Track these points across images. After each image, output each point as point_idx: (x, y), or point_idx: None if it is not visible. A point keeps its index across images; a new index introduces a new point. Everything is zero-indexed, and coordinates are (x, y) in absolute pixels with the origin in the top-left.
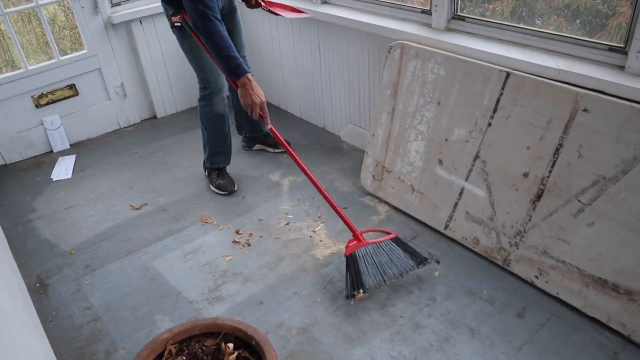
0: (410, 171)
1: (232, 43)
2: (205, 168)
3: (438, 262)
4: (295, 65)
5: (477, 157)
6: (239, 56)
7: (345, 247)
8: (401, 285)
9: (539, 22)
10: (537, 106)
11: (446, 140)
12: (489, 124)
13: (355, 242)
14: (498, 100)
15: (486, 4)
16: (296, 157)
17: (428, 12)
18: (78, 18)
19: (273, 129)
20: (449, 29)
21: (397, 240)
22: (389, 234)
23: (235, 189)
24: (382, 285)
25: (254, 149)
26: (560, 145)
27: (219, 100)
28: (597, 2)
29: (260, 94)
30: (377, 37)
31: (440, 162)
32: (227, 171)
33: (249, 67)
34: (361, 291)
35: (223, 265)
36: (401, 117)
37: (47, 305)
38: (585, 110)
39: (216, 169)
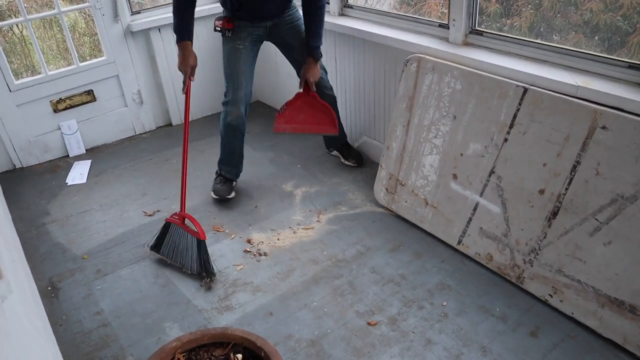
0: (424, 185)
1: (186, 8)
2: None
3: (210, 279)
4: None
5: (492, 172)
6: (185, 25)
7: (170, 215)
8: (413, 300)
9: (557, 38)
10: (555, 122)
11: (461, 154)
12: (505, 140)
13: (177, 218)
14: (515, 116)
15: (504, 19)
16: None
17: (445, 26)
18: (98, 25)
19: (188, 96)
20: (466, 44)
21: (201, 243)
22: (200, 235)
23: (229, 196)
24: (165, 260)
25: (332, 153)
26: (578, 162)
27: (233, 112)
28: (618, 19)
29: (185, 63)
30: (394, 50)
31: (454, 176)
32: (238, 180)
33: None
34: (152, 251)
35: (234, 275)
36: (416, 130)
37: (57, 309)
38: (603, 127)
39: (222, 175)
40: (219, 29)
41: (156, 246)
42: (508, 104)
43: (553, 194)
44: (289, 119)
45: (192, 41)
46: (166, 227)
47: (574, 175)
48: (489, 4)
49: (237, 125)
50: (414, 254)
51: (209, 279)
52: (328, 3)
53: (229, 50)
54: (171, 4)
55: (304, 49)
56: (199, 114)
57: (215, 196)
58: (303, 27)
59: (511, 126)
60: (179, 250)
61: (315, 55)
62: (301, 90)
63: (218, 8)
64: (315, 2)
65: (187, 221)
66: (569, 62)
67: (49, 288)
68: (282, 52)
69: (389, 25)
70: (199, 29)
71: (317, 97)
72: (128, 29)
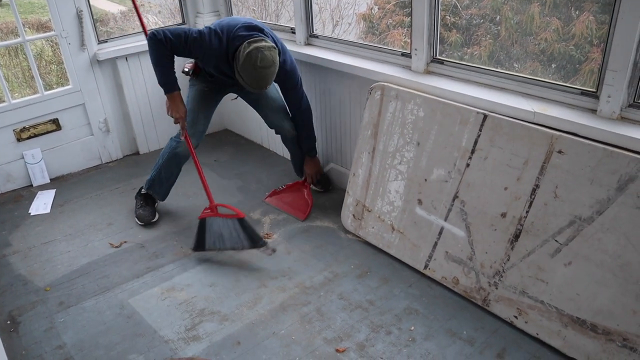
0: (390, 211)
1: (169, 65)
2: (140, 188)
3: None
4: None
5: (456, 197)
6: (173, 77)
7: (202, 212)
8: (381, 325)
9: (516, 66)
10: (514, 148)
11: (425, 180)
12: (467, 165)
13: (209, 211)
14: (476, 142)
15: (465, 48)
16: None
17: (408, 55)
18: (64, 54)
19: (188, 140)
20: (428, 72)
21: (242, 222)
22: (238, 214)
23: (154, 220)
24: (217, 250)
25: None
26: (537, 186)
27: (185, 144)
28: (571, 48)
29: (180, 110)
30: (359, 79)
31: (419, 202)
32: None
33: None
34: (196, 251)
35: (201, 304)
36: (381, 157)
37: (17, 344)
38: (560, 152)
39: (146, 196)
40: (187, 70)
41: (199, 245)
42: (469, 130)
43: (515, 217)
44: (280, 198)
45: (179, 91)
46: (202, 224)
47: (534, 198)
48: (450, 34)
49: (184, 155)
50: (381, 279)
51: (265, 248)
52: (294, 33)
53: (195, 90)
54: (137, 34)
55: (270, 103)
56: (161, 143)
57: (139, 222)
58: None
59: (473, 151)
60: (225, 237)
61: (311, 154)
62: (302, 179)
63: None
64: (299, 105)
65: (219, 209)
66: (526, 90)
67: (9, 322)
68: (240, 96)
69: (354, 55)
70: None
71: (309, 188)
72: (95, 57)
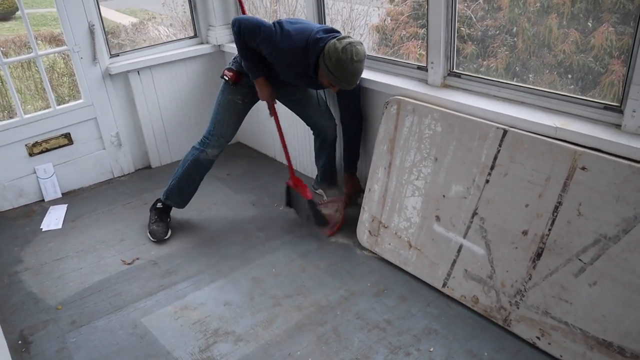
0: (407, 227)
1: (248, 54)
2: (156, 201)
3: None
4: (292, 117)
5: (475, 214)
6: (255, 65)
7: (291, 180)
8: (399, 346)
9: (532, 76)
10: (535, 164)
11: (444, 196)
12: (487, 181)
13: (293, 183)
14: (496, 157)
15: (481, 60)
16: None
17: (424, 69)
18: (76, 68)
19: (276, 118)
20: (445, 85)
21: (308, 202)
22: (306, 195)
23: (167, 237)
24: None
25: (317, 192)
26: (560, 203)
27: (210, 153)
28: (590, 60)
29: (263, 94)
30: (374, 92)
31: (437, 218)
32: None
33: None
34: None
35: (215, 324)
36: (398, 172)
37: None
38: (583, 168)
39: (161, 210)
40: (227, 78)
41: (288, 203)
42: (488, 145)
43: (536, 235)
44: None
45: (265, 76)
46: (288, 189)
47: (557, 216)
48: (466, 46)
49: (207, 165)
50: (398, 297)
51: (326, 228)
52: None
53: (228, 100)
54: (150, 47)
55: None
56: (174, 157)
57: (152, 238)
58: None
59: (492, 167)
60: (298, 207)
61: (352, 172)
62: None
63: (195, 51)
64: (357, 109)
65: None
66: (547, 104)
67: (20, 342)
68: (284, 102)
69: (369, 68)
70: (179, 72)
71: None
72: (107, 71)
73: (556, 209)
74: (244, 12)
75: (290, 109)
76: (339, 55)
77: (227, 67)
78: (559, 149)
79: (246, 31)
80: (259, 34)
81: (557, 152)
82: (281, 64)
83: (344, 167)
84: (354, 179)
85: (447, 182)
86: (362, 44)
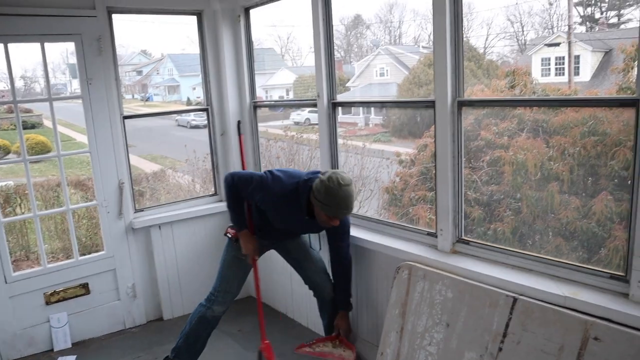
0: None
1: (237, 207)
2: (165, 358)
3: None
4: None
5: None
6: (241, 217)
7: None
8: None
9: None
10: (547, 333)
11: None
12: (500, 349)
13: (263, 347)
14: (507, 325)
15: (487, 223)
16: None
17: (434, 235)
18: (102, 222)
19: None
20: (454, 252)
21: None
22: None
23: None
24: None
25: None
26: None
27: (216, 310)
28: (592, 225)
29: (247, 247)
30: (384, 256)
31: None
32: None
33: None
34: None
35: None
36: (410, 337)
37: None
38: (596, 338)
39: None
40: (229, 236)
41: None
42: (499, 313)
43: None
44: (311, 351)
45: (249, 228)
46: (260, 355)
47: None
48: (472, 209)
49: (213, 322)
50: None
51: None
52: None
53: (232, 257)
54: (170, 204)
55: (306, 255)
56: (186, 309)
57: None
58: (305, 238)
59: (504, 335)
60: None
61: (347, 309)
62: (333, 334)
63: (215, 209)
64: (346, 254)
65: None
66: (554, 272)
67: None
68: (281, 255)
69: (380, 232)
70: (198, 228)
71: (344, 340)
72: (130, 225)
73: None
74: (244, 167)
75: (289, 264)
76: (326, 184)
77: (230, 225)
78: (570, 319)
79: (240, 181)
80: (252, 182)
81: (567, 322)
82: (274, 209)
83: (339, 304)
84: (347, 316)
85: (460, 348)
86: (345, 172)
